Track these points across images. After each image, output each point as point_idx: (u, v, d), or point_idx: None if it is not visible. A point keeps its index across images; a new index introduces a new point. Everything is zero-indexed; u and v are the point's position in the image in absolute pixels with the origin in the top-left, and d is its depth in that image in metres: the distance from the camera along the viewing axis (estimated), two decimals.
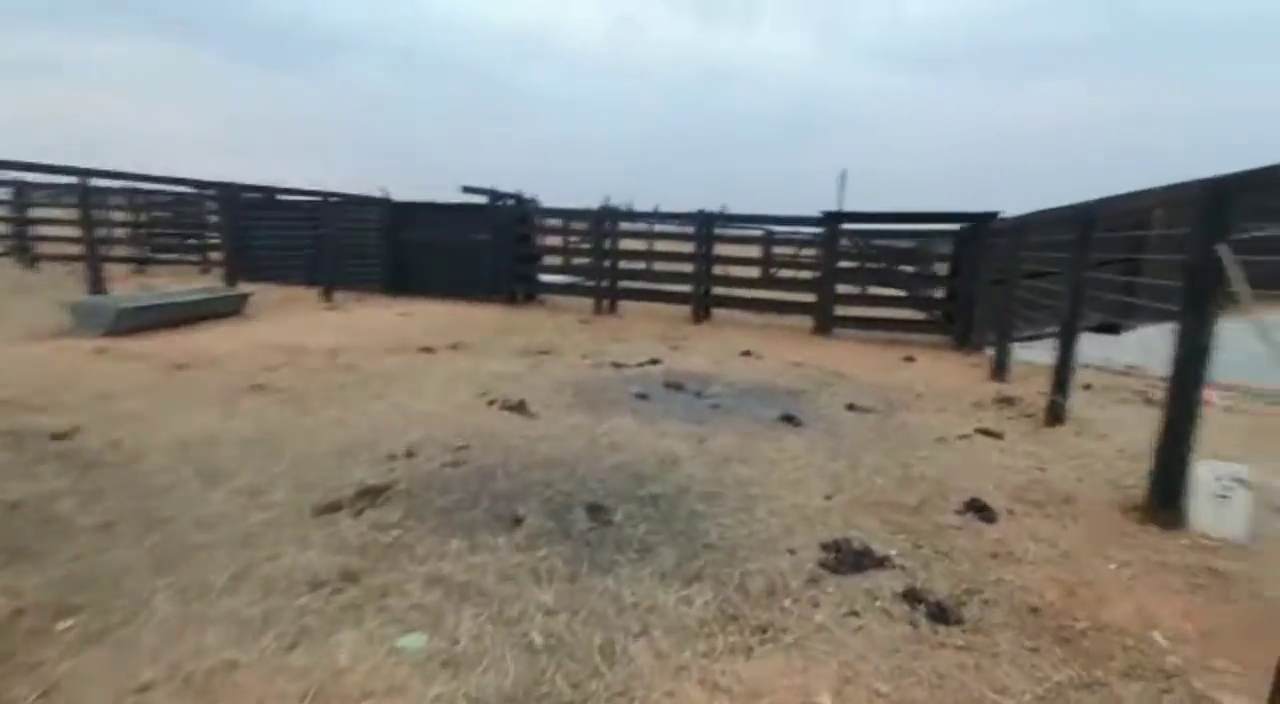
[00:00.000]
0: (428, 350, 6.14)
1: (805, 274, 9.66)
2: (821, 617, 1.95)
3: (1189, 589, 2.31)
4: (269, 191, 10.91)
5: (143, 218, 12.37)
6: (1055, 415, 4.52)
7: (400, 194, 10.45)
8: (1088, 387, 5.67)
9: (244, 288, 8.39)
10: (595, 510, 2.70)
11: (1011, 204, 8.06)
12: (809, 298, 8.89)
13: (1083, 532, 2.75)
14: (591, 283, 9.45)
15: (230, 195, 10.99)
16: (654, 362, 6.13)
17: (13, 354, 5.16)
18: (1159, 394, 5.83)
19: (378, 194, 10.37)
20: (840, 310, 8.38)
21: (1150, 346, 6.91)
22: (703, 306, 9.02)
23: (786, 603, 2.02)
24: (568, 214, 9.89)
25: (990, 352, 7.48)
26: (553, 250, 10.94)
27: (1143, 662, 1.83)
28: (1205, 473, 2.79)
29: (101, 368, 4.86)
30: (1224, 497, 2.73)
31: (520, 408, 4.34)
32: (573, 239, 13.38)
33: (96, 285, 6.39)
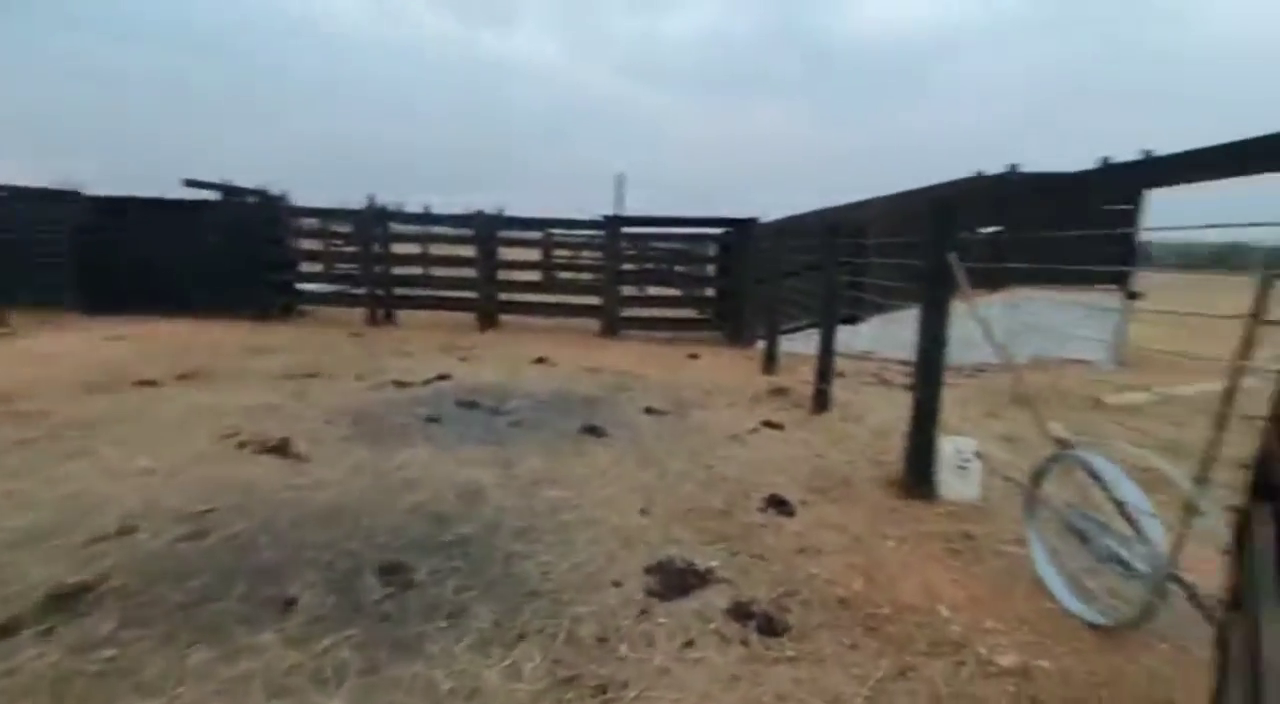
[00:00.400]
0: (148, 384, 4.96)
1: (588, 277, 9.76)
2: (660, 658, 1.84)
3: (951, 555, 2.64)
4: None
5: None
6: (821, 403, 5.03)
7: (112, 189, 8.41)
8: (840, 374, 6.45)
9: None
10: (391, 571, 2.30)
11: (750, 210, 8.93)
12: (594, 301, 8.98)
13: (864, 514, 3.03)
14: (362, 291, 8.50)
15: None
16: (443, 377, 5.66)
17: None
18: (894, 377, 7.02)
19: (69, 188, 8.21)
20: (625, 312, 8.59)
21: (878, 335, 8.15)
22: (489, 313, 8.62)
23: (622, 649, 1.87)
24: (328, 214, 8.76)
25: (761, 346, 8.25)
26: (313, 255, 9.63)
27: (937, 637, 2.01)
28: (948, 448, 3.26)
29: None
30: (963, 468, 3.21)
31: (283, 449, 3.65)
32: (336, 243, 12.00)
33: None
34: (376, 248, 8.47)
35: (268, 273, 8.54)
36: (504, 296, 8.81)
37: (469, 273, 8.71)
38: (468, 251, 9.11)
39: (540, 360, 6.69)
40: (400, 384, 5.36)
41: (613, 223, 8.39)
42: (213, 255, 8.32)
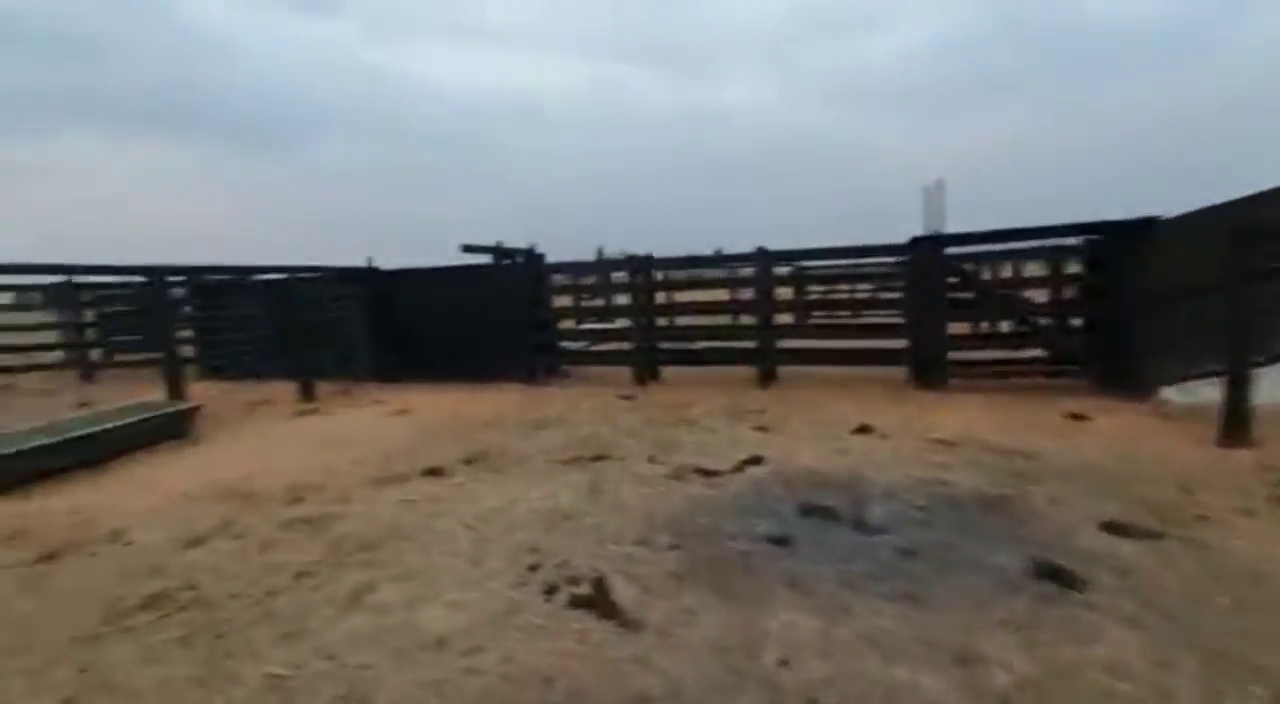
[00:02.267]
0: (434, 473, 4.33)
1: (880, 314, 7.95)
2: None
3: None
4: (239, 272, 9.25)
5: (88, 317, 10.68)
6: None
7: (392, 263, 8.85)
8: None
9: (195, 400, 6.63)
10: None
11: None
12: (896, 342, 7.17)
13: None
14: (628, 347, 7.70)
15: (193, 279, 9.38)
16: (755, 460, 4.33)
17: None
18: None
19: (363, 264, 8.75)
20: (950, 354, 6.62)
21: None
22: (769, 364, 7.25)
23: None
24: (594, 267, 8.20)
25: (1166, 394, 5.72)
26: (571, 313, 9.22)
27: None
28: None
29: None
30: None
31: (601, 600, 2.52)
32: (583, 297, 11.83)
33: None
34: (645, 299, 7.64)
35: (534, 333, 8.19)
36: (787, 343, 7.39)
37: (744, 319, 7.47)
38: (727, 294, 7.92)
39: (863, 429, 5.08)
40: (705, 473, 4.13)
41: (925, 244, 6.56)
42: (484, 318, 8.19)
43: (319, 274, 8.31)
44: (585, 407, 6.52)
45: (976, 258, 6.52)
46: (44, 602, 2.71)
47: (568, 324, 10.22)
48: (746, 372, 7.74)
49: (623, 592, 2.59)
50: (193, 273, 9.02)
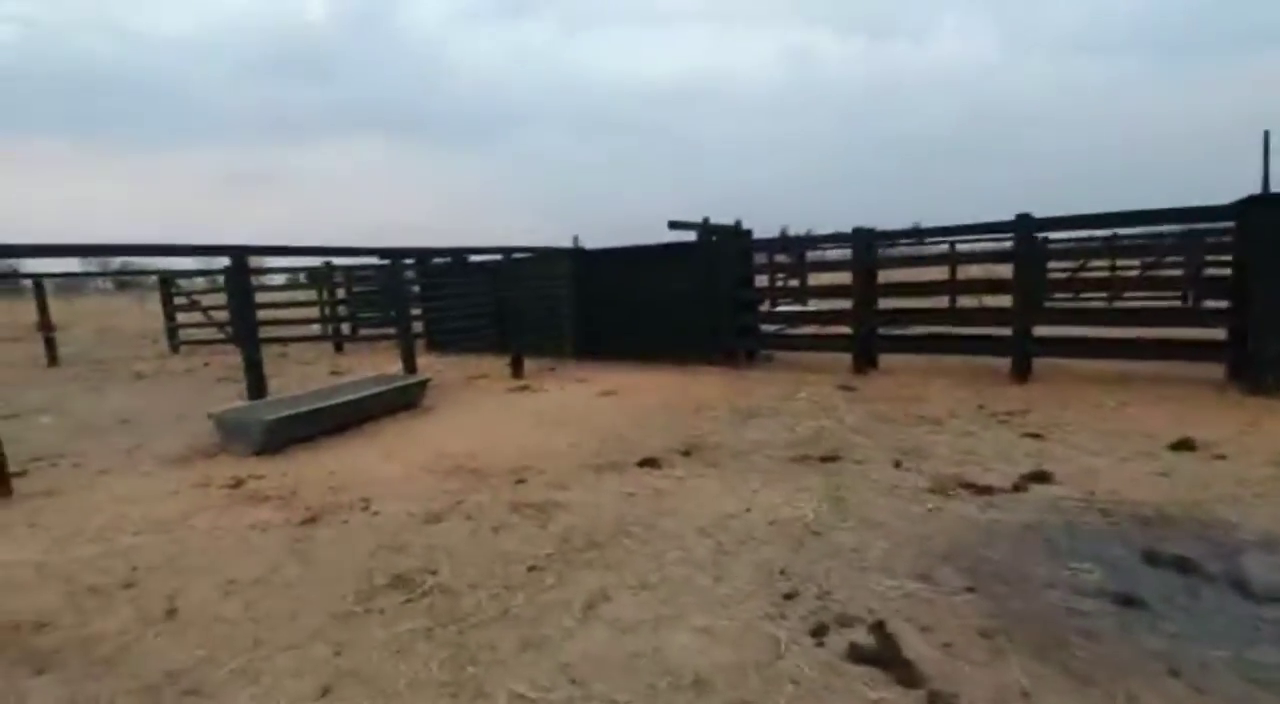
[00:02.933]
0: (651, 464, 4.04)
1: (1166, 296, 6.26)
2: None
3: None
4: (458, 253, 9.88)
5: (338, 294, 12.23)
6: None
7: (593, 243, 8.89)
8: None
9: (424, 372, 7.10)
10: None
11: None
12: (1212, 333, 5.61)
13: None
14: (846, 330, 6.92)
15: (421, 261, 10.23)
16: (1040, 477, 3.47)
17: (118, 499, 3.90)
18: None
19: (569, 244, 8.88)
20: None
21: None
22: (1026, 355, 6.06)
23: None
24: (806, 243, 7.49)
25: None
26: (783, 292, 8.58)
27: None
28: None
29: (204, 529, 3.35)
30: None
31: (893, 659, 1.98)
32: (779, 276, 11.11)
33: (257, 386, 5.27)
34: (867, 277, 6.78)
35: (737, 314, 7.72)
36: (1044, 331, 6.13)
37: (997, 300, 6.34)
38: (990, 271, 6.75)
39: (1184, 444, 3.91)
40: (976, 488, 3.36)
41: (1258, 205, 4.97)
42: (686, 298, 7.89)
43: (529, 254, 8.56)
44: (800, 396, 5.92)
45: None
46: (307, 569, 2.80)
47: (783, 306, 9.62)
48: (988, 363, 6.59)
49: (916, 647, 2.03)
50: (421, 255, 9.80)
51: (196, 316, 11.73)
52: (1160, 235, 7.80)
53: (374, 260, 10.59)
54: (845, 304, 7.09)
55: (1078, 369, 6.23)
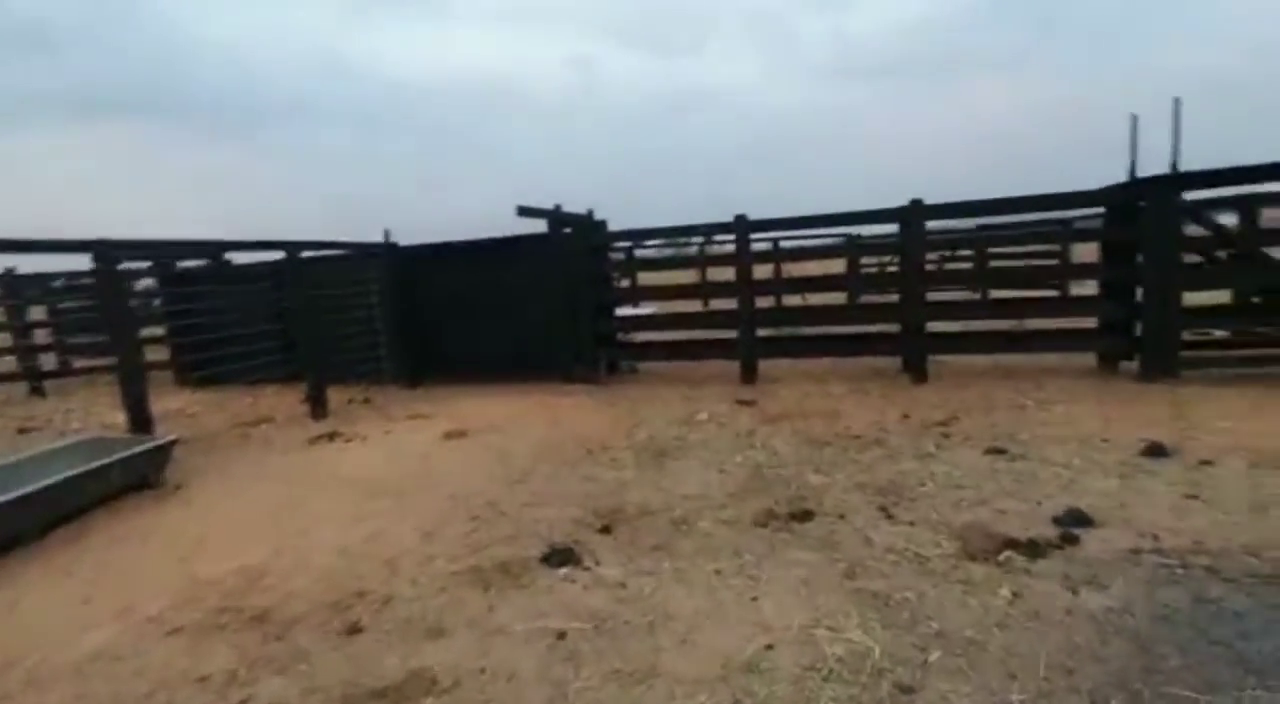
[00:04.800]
0: (564, 558, 2.65)
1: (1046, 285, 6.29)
2: None
3: None
4: (219, 250, 7.30)
5: (30, 315, 8.70)
6: None
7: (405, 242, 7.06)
8: None
9: (172, 423, 4.87)
10: None
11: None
12: (1086, 322, 5.61)
13: None
14: (732, 334, 6.00)
15: (160, 263, 7.56)
16: (1075, 518, 2.71)
17: None
18: None
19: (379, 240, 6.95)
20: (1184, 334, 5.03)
21: None
22: (920, 352, 5.61)
23: None
24: (677, 233, 6.45)
25: None
26: (650, 293, 7.46)
27: None
28: None
29: None
30: None
31: None
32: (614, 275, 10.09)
33: None
34: (752, 272, 5.90)
35: (596, 320, 6.49)
36: (939, 326, 5.75)
37: (884, 297, 5.84)
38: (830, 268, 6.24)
39: (1154, 450, 3.47)
40: (1019, 546, 2.50)
41: (1152, 187, 4.92)
42: (533, 303, 6.49)
43: (325, 253, 6.52)
44: (701, 418, 4.86)
45: (1219, 204, 4.87)
46: None
47: (642, 309, 8.51)
48: (873, 365, 6.11)
49: None
50: (157, 250, 7.19)
51: None
52: (1036, 224, 8.07)
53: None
54: (695, 305, 6.24)
55: (960, 365, 5.96)
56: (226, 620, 2.33)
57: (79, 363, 8.70)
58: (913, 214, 5.50)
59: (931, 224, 5.78)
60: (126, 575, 2.75)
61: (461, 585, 2.48)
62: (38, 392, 7.94)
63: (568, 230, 6.53)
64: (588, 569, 2.56)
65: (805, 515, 2.97)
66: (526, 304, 6.57)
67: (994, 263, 9.85)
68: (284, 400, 6.32)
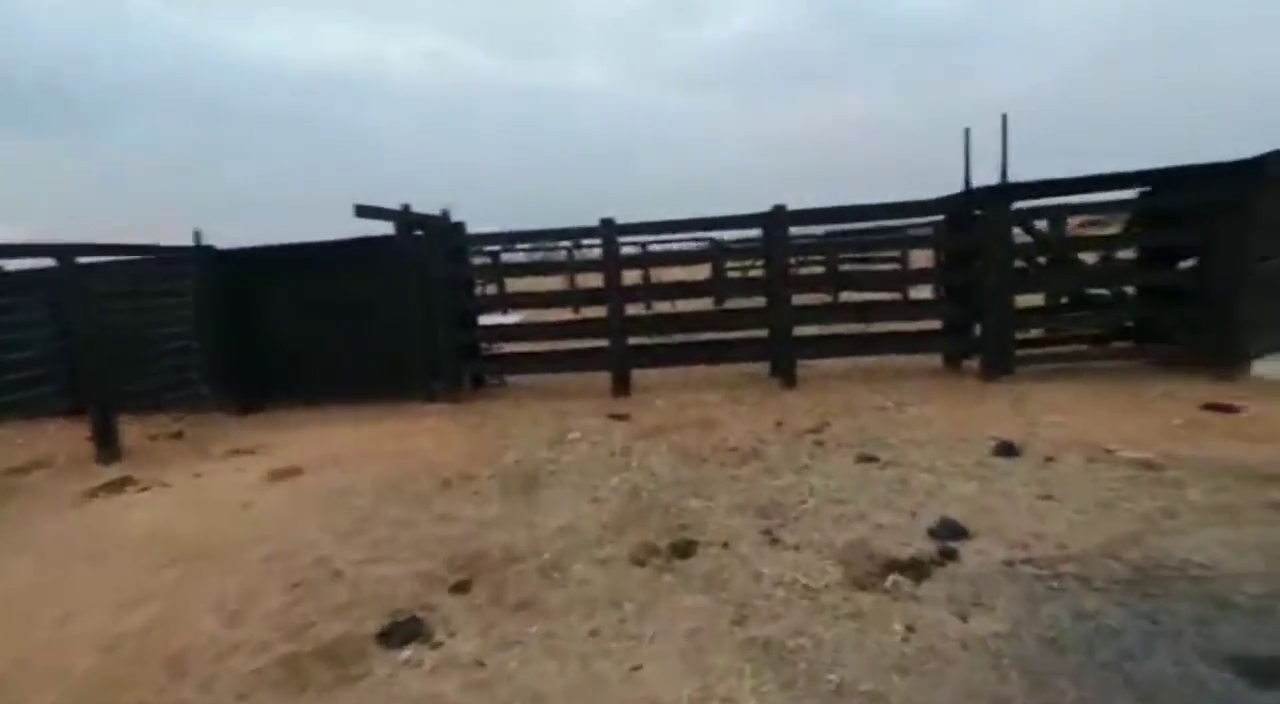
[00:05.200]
0: (408, 632, 2.20)
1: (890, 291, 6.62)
2: None
3: None
4: None
5: None
6: None
7: (236, 243, 6.08)
8: None
9: None
10: None
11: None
12: (932, 324, 5.94)
13: None
14: (603, 344, 5.70)
15: None
16: (949, 530, 2.68)
17: None
18: None
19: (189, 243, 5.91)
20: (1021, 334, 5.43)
21: None
22: (788, 357, 5.65)
23: None
24: (539, 236, 6.04)
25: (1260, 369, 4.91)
26: (515, 299, 6.93)
27: None
28: None
29: None
30: None
31: None
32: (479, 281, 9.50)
33: None
34: (614, 278, 5.63)
35: (457, 331, 5.95)
36: (808, 331, 5.82)
37: (749, 302, 5.82)
38: (703, 271, 6.20)
39: (1006, 449, 3.62)
40: (902, 566, 2.41)
41: (988, 196, 5.26)
42: (384, 313, 5.82)
43: (119, 258, 5.42)
44: (574, 436, 4.52)
45: (1039, 213, 5.30)
46: None
47: (504, 318, 7.95)
48: (744, 371, 6.10)
49: None
50: None
51: None
52: (876, 231, 8.50)
53: None
54: (564, 313, 5.95)
55: (823, 368, 6.08)
56: None
57: None
58: (777, 220, 5.52)
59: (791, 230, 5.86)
60: None
61: (270, 686, 1.96)
62: None
63: (420, 233, 5.93)
64: (438, 645, 2.13)
65: (688, 548, 2.72)
66: (378, 315, 5.89)
67: (844, 267, 10.42)
68: (67, 438, 5.20)
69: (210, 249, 5.97)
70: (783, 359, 5.65)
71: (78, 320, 4.69)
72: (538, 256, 9.91)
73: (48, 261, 4.82)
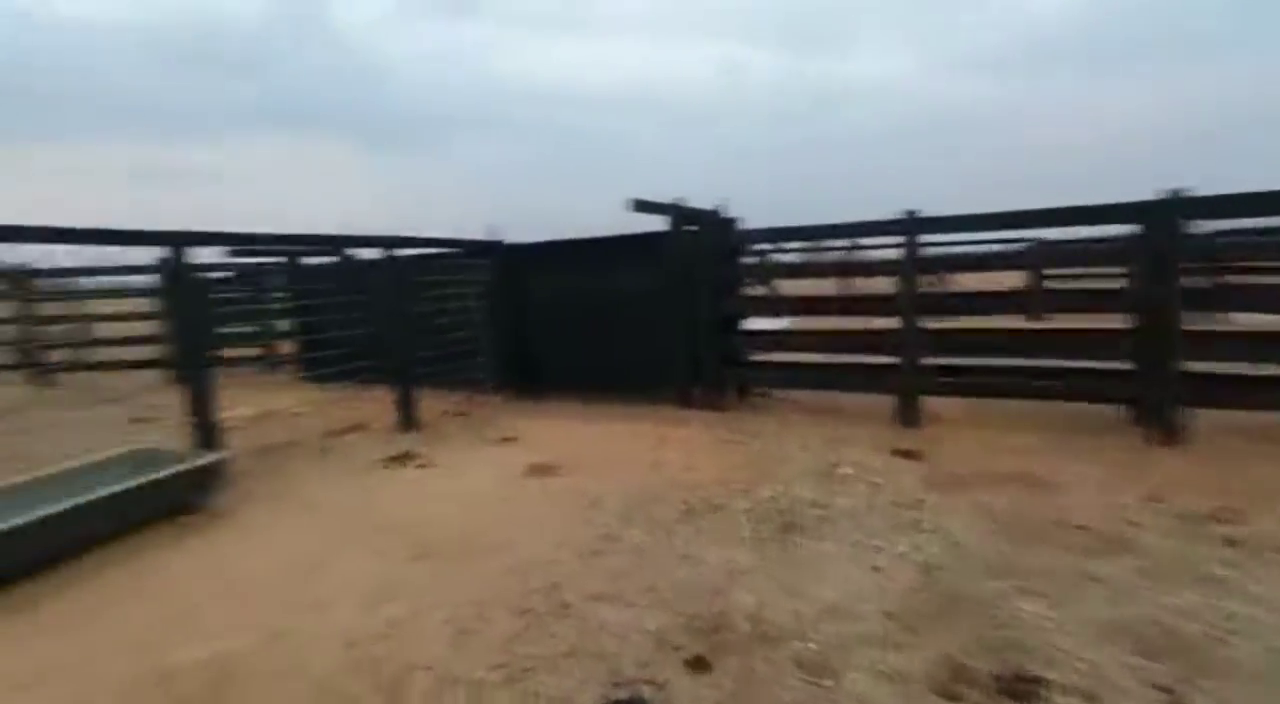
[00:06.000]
0: None
1: None
2: None
3: None
4: (334, 243, 6.81)
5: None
6: None
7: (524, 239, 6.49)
8: None
9: (267, 420, 4.58)
10: None
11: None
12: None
13: None
14: (895, 360, 4.76)
15: (289, 258, 7.63)
16: None
17: None
18: None
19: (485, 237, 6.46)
20: None
21: None
22: (1171, 399, 4.05)
23: None
24: (823, 233, 5.31)
25: None
26: (792, 303, 6.32)
27: None
28: None
29: None
30: None
31: None
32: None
33: None
34: (926, 283, 4.65)
35: (723, 336, 5.52)
36: (1203, 367, 4.14)
37: (1093, 322, 4.33)
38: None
39: None
40: None
41: None
42: (655, 311, 5.65)
43: (429, 251, 6.12)
44: (844, 471, 3.73)
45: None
46: None
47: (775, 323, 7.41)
48: (1073, 411, 4.59)
49: None
50: (290, 248, 7.24)
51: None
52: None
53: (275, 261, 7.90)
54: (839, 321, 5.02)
55: (1229, 423, 4.27)
56: None
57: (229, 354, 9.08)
58: (1166, 210, 3.98)
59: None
60: (85, 653, 2.18)
61: None
62: (42, 382, 8.28)
63: (693, 228, 5.61)
64: None
65: (1026, 688, 1.83)
66: (643, 310, 5.75)
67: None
68: (384, 407, 5.96)
69: (499, 244, 6.43)
70: (1161, 403, 4.08)
71: (395, 304, 5.30)
72: (812, 257, 9.12)
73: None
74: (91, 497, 2.87)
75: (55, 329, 8.76)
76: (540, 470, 3.96)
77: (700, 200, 5.55)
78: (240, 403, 5.45)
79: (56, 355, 8.73)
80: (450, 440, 4.84)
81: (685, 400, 5.53)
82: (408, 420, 5.14)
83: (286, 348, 8.53)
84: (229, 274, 8.89)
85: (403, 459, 4.27)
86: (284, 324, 8.36)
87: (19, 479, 3.16)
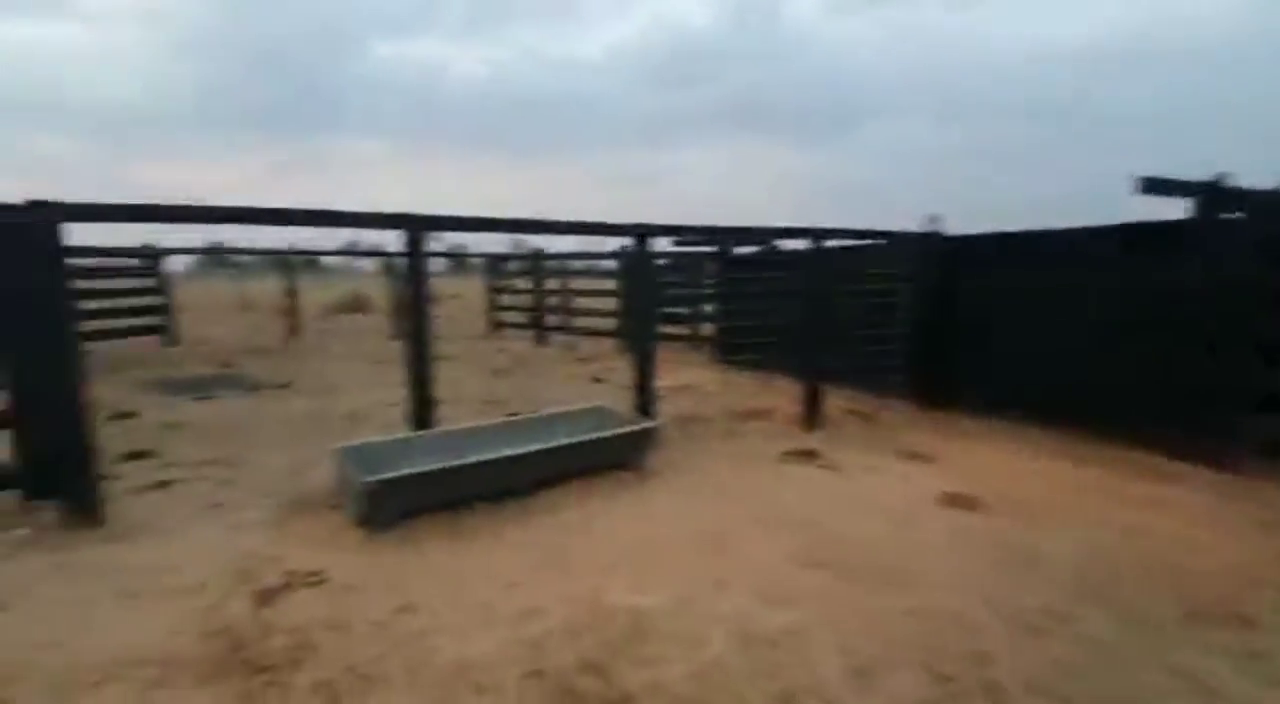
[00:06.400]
0: None
1: None
2: None
3: None
4: (766, 235, 7.17)
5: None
6: None
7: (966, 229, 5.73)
8: None
9: (682, 398, 5.08)
10: None
11: None
12: None
13: None
14: None
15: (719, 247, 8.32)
16: None
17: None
18: None
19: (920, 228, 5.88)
20: None
21: None
22: None
23: None
24: None
25: None
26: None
27: None
28: None
29: None
30: None
31: None
32: None
33: (423, 404, 3.81)
34: None
35: (1263, 367, 3.88)
36: None
37: None
38: None
39: None
40: None
41: None
42: (1141, 325, 4.32)
43: (855, 242, 5.84)
44: None
45: None
46: None
47: None
48: None
49: None
50: (681, 234, 7.86)
51: (524, 301, 11.74)
52: None
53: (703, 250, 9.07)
54: None
55: None
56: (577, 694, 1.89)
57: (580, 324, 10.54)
58: None
59: None
60: (543, 575, 2.62)
61: None
62: (541, 341, 10.45)
63: (1237, 215, 4.05)
64: None
65: None
66: (1126, 324, 4.47)
67: None
68: (788, 397, 6.03)
69: (938, 235, 5.76)
70: None
71: (816, 295, 5.22)
72: None
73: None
74: (573, 440, 3.56)
75: (552, 301, 11.45)
76: (957, 501, 3.39)
77: (1248, 175, 3.95)
78: (665, 375, 6.17)
79: (551, 320, 11.42)
80: (854, 444, 4.57)
81: (1177, 450, 4.10)
82: (812, 415, 5.05)
83: (707, 330, 9.40)
84: (668, 262, 10.27)
85: (805, 456, 4.18)
86: (709, 308, 9.24)
87: (517, 417, 4.14)
